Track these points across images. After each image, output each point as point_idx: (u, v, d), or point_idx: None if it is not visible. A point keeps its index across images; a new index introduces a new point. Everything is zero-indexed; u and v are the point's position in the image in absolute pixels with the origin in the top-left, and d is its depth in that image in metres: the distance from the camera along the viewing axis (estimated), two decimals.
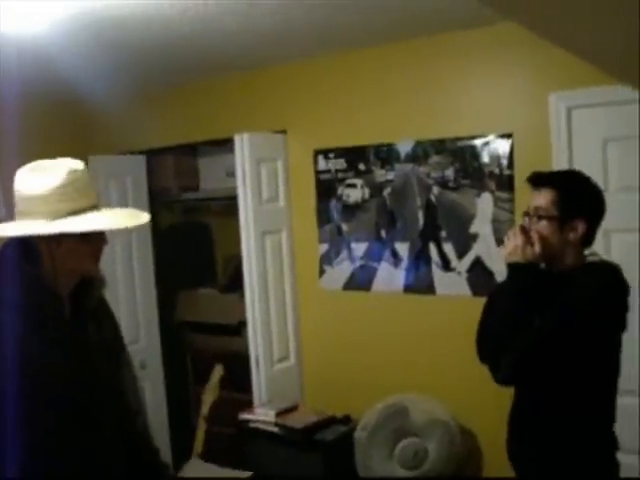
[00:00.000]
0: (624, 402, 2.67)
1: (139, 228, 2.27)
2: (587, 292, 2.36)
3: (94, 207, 2.02)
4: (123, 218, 2.10)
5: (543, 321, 2.34)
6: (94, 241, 2.04)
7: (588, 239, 2.48)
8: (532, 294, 2.40)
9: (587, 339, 2.34)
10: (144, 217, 2.12)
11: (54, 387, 1.94)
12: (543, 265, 2.51)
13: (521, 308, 2.39)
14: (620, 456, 2.50)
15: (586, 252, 2.51)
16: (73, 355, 2.02)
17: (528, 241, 2.43)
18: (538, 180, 2.50)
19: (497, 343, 2.42)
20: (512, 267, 2.47)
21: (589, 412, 2.42)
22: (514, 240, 2.46)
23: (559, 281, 2.44)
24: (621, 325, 2.42)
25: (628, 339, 2.52)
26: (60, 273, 2.01)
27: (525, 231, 2.46)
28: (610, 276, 2.41)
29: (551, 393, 2.43)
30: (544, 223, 2.44)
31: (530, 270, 2.43)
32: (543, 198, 2.45)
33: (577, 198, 2.45)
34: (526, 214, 2.53)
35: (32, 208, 1.94)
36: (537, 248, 2.42)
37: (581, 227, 2.42)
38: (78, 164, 2.03)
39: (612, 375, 2.46)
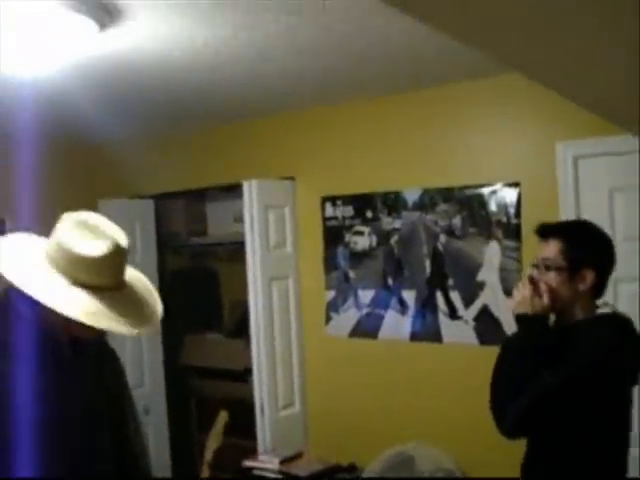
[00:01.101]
0: None
1: (145, 272, 2.23)
2: (593, 346, 2.31)
3: (115, 287, 1.96)
4: (125, 322, 1.96)
5: (549, 376, 2.29)
6: None
7: (599, 290, 2.43)
8: (541, 346, 2.34)
9: (594, 393, 2.29)
10: (153, 326, 2.04)
11: (54, 438, 1.93)
12: (553, 318, 2.45)
13: (529, 360, 2.33)
14: None
15: (599, 303, 2.45)
16: (73, 403, 2.01)
17: (537, 292, 2.38)
18: (545, 231, 2.45)
19: (504, 395, 2.38)
20: (520, 319, 2.41)
21: (599, 467, 2.37)
22: (522, 291, 2.40)
23: (568, 334, 2.38)
24: (631, 379, 2.37)
25: None
26: (61, 318, 1.99)
27: (534, 282, 2.40)
28: (618, 329, 2.37)
29: (562, 447, 2.37)
30: (552, 274, 2.38)
31: (538, 322, 2.37)
32: (551, 249, 2.40)
33: (585, 247, 2.41)
34: (534, 266, 2.48)
35: (59, 259, 1.92)
36: (546, 300, 2.36)
37: (590, 277, 2.37)
38: (123, 239, 1.97)
39: (623, 430, 2.40)
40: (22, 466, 1.86)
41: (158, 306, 2.10)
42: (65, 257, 1.90)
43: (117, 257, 1.94)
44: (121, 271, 1.99)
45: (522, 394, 2.30)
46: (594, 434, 2.34)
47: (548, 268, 2.40)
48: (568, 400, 2.28)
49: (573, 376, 2.28)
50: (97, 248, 1.90)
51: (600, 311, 2.45)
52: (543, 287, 2.38)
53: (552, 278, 2.39)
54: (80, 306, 1.87)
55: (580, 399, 2.28)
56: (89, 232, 1.93)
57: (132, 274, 2.10)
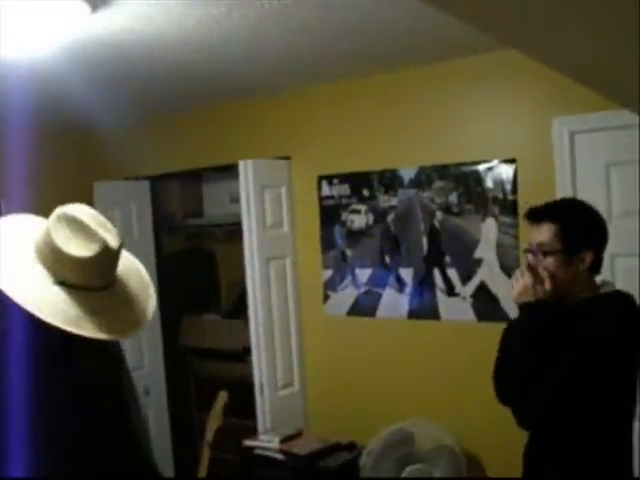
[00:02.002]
0: None
1: (142, 253, 2.19)
2: (606, 330, 2.27)
3: (105, 287, 1.89)
4: (107, 326, 1.89)
5: (564, 363, 2.25)
6: None
7: (596, 266, 2.41)
8: (547, 332, 2.32)
9: (608, 376, 2.27)
10: (138, 328, 1.95)
11: (48, 430, 1.92)
12: (553, 300, 2.41)
13: (537, 348, 2.30)
14: None
15: (598, 281, 2.44)
16: (68, 392, 1.99)
17: (537, 279, 2.35)
18: (536, 215, 2.42)
19: (517, 386, 2.34)
20: (523, 308, 2.39)
21: (606, 446, 2.35)
22: (523, 280, 2.37)
23: (574, 314, 2.36)
24: (638, 359, 2.35)
25: None
26: None
27: (533, 269, 2.38)
28: (627, 309, 2.35)
29: (569, 429, 2.34)
30: (550, 259, 2.36)
31: (542, 309, 2.34)
32: (544, 233, 2.37)
33: (580, 229, 2.39)
34: (528, 251, 2.45)
35: (46, 254, 1.85)
36: (547, 285, 2.34)
37: (589, 258, 2.35)
38: (114, 239, 1.88)
39: (631, 408, 2.38)
40: (16, 459, 1.84)
41: (150, 303, 2.02)
42: (52, 254, 1.84)
43: (106, 259, 1.87)
44: (110, 272, 1.92)
45: (538, 384, 2.26)
46: (603, 416, 2.31)
47: (545, 253, 2.37)
48: (584, 386, 2.25)
49: (587, 362, 2.25)
50: (86, 248, 1.83)
51: (603, 290, 2.42)
52: (543, 273, 2.36)
53: (550, 263, 2.37)
54: (59, 311, 1.80)
55: (595, 384, 2.25)
56: (80, 230, 1.86)
57: (131, 266, 2.04)
